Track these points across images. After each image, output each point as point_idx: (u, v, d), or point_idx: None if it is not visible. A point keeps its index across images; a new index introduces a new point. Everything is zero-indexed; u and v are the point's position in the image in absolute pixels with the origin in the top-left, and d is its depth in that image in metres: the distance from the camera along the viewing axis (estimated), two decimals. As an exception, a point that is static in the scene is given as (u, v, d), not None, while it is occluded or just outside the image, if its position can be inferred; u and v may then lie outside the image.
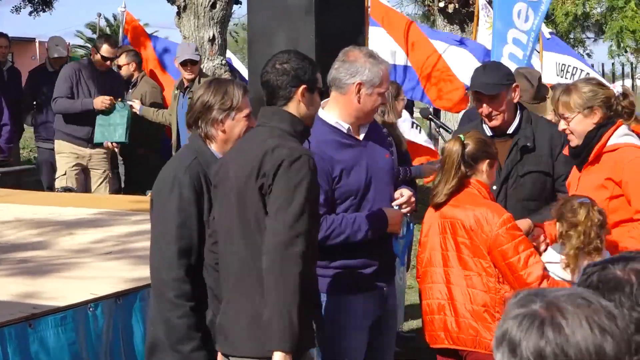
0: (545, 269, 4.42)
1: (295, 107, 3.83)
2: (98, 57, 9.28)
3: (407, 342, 7.41)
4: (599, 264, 2.28)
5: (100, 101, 9.08)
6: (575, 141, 4.81)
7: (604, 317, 1.84)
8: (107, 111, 9.13)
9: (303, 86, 3.83)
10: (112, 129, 9.16)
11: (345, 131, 4.42)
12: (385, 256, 4.56)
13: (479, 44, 10.92)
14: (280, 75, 3.84)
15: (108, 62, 9.39)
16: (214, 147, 4.13)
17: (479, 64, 10.25)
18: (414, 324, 7.90)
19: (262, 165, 3.64)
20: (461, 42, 10.93)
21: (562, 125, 4.81)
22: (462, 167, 4.50)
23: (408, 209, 4.58)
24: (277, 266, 3.54)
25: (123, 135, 9.16)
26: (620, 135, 4.78)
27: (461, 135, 4.59)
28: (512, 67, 9.35)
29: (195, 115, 4.12)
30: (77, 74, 9.24)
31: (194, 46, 9.37)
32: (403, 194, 4.56)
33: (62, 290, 4.52)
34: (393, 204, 4.53)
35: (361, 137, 4.49)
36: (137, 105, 9.20)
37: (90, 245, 5.69)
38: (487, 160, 4.57)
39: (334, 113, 4.44)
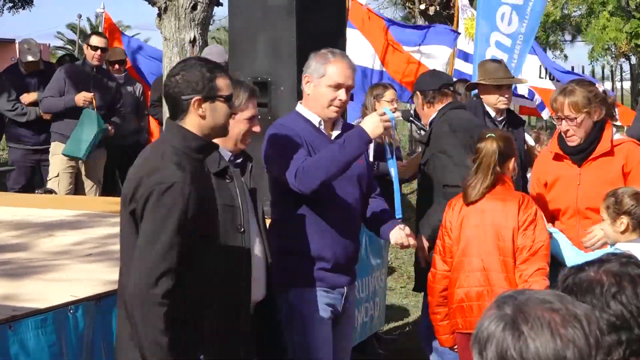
0: (544, 269, 4.69)
1: (194, 120, 3.65)
2: (89, 50, 9.27)
3: (389, 344, 7.43)
4: (577, 266, 2.29)
5: (82, 97, 9.03)
6: (577, 140, 4.93)
7: (569, 324, 1.84)
8: (88, 120, 9.03)
9: (196, 97, 3.63)
10: (77, 144, 9.05)
11: (317, 124, 4.61)
12: (348, 258, 4.68)
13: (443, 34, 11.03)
14: (174, 88, 3.67)
15: (99, 52, 9.31)
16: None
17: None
18: (395, 325, 7.92)
19: (136, 189, 3.54)
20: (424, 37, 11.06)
21: (564, 126, 4.90)
22: (497, 166, 4.82)
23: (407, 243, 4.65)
24: (138, 311, 3.45)
25: (82, 151, 9.03)
26: (614, 132, 4.99)
27: (493, 134, 4.90)
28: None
29: None
30: (70, 77, 9.24)
31: (222, 50, 9.24)
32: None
33: (42, 292, 4.50)
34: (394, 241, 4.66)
35: (333, 136, 4.65)
36: None
37: (71, 247, 5.67)
38: (513, 158, 4.90)
39: (306, 108, 4.66)
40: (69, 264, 5.22)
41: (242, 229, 4.17)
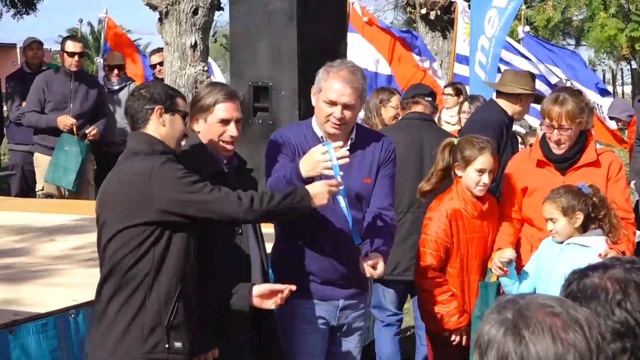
0: (433, 269, 5.02)
1: (154, 128, 3.89)
2: (67, 57, 9.13)
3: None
4: (580, 271, 2.28)
5: (63, 122, 8.92)
6: (565, 148, 4.99)
7: (570, 328, 1.84)
8: (69, 148, 8.90)
9: (158, 107, 3.87)
10: (62, 172, 8.89)
11: (320, 139, 4.47)
12: (348, 272, 4.52)
13: None
14: (137, 100, 3.92)
15: (76, 58, 9.14)
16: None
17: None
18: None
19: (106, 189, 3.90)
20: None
21: (556, 135, 4.90)
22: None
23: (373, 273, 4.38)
24: (262, 215, 3.95)
25: (71, 183, 8.88)
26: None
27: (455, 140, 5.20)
28: (481, 73, 9.43)
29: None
30: (48, 84, 9.13)
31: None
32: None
33: (43, 297, 4.51)
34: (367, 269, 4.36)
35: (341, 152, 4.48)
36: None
37: (72, 252, 5.67)
38: (456, 163, 5.09)
39: (315, 119, 4.54)
40: (70, 268, 5.22)
41: (240, 231, 4.19)
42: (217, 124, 4.17)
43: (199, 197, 3.74)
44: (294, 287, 4.09)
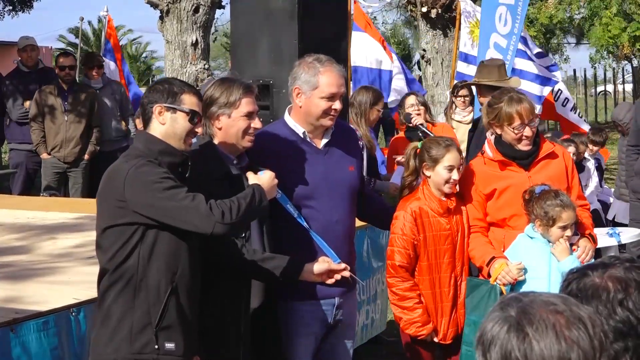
0: (400, 268, 4.97)
1: (156, 126, 3.85)
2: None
3: (390, 346, 7.43)
4: (579, 270, 2.28)
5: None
6: (531, 143, 5.05)
7: (573, 326, 1.84)
8: None
9: (158, 105, 3.83)
10: None
11: (301, 135, 4.51)
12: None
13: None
14: (145, 97, 3.93)
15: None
16: (216, 142, 4.22)
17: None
18: (397, 327, 7.90)
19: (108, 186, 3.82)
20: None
21: (528, 131, 4.99)
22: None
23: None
24: (227, 229, 3.80)
25: None
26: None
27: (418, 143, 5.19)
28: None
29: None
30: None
31: None
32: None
33: (44, 295, 4.51)
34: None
35: (321, 145, 4.55)
36: None
37: (72, 250, 5.67)
38: (424, 164, 5.04)
39: (292, 118, 4.56)
40: (70, 266, 5.22)
41: (244, 235, 4.17)
42: (242, 118, 4.18)
43: (168, 203, 3.65)
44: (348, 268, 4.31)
